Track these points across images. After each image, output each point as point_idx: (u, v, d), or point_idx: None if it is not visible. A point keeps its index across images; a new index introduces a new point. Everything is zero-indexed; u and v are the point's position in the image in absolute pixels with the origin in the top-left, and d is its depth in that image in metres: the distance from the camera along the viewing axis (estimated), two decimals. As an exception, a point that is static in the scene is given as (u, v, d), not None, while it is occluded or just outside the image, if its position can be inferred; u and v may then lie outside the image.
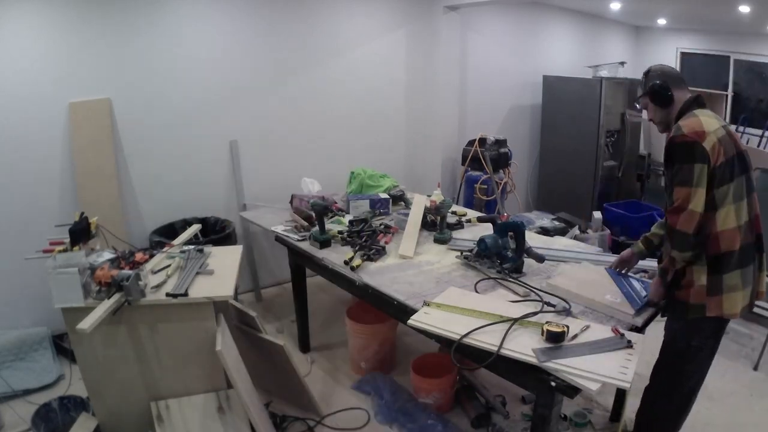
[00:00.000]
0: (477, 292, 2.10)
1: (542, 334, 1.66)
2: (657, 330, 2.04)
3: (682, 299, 1.82)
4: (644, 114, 5.42)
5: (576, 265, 2.33)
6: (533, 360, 1.57)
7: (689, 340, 1.86)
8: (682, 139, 1.71)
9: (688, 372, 1.94)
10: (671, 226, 1.75)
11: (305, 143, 3.95)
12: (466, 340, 1.70)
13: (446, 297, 2.00)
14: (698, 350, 1.88)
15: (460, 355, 1.72)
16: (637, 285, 2.06)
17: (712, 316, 1.78)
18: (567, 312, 1.87)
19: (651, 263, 2.53)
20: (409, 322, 1.86)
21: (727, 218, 1.72)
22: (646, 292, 1.98)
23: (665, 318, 1.97)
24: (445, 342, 1.80)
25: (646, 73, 1.94)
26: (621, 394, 2.39)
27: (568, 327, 1.67)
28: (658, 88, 1.86)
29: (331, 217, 3.06)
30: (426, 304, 1.95)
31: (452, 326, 1.77)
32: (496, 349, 1.63)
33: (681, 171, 1.71)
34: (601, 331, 1.73)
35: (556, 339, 1.63)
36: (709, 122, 1.74)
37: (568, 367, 1.53)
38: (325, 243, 2.63)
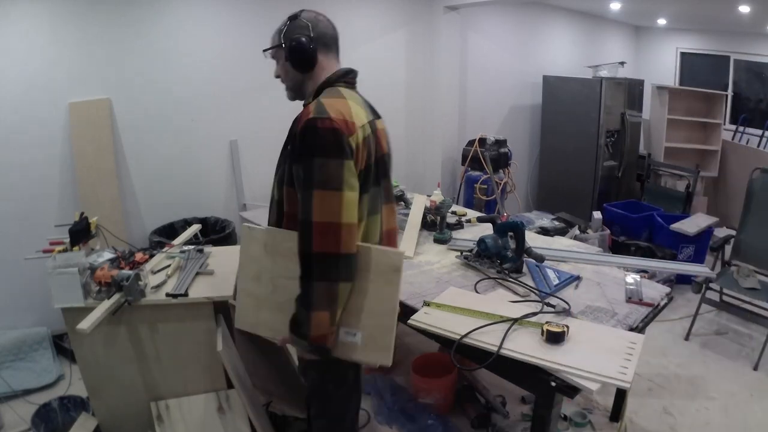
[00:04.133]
0: (477, 292, 2.10)
1: (542, 334, 1.66)
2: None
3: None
4: (644, 114, 5.47)
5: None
6: (533, 360, 1.57)
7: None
8: (329, 124, 1.28)
9: None
10: (315, 251, 1.25)
11: (305, 143, 3.94)
12: (466, 340, 1.70)
13: (446, 297, 2.00)
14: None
15: (460, 355, 1.72)
16: (551, 274, 2.19)
17: None
18: (567, 312, 1.87)
19: (651, 263, 2.54)
20: (409, 322, 1.86)
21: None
22: (560, 281, 2.11)
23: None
24: (445, 342, 1.80)
25: (292, 18, 1.46)
26: (621, 394, 2.39)
27: (568, 327, 1.67)
28: (297, 47, 1.42)
29: (331, 217, 3.05)
30: (426, 304, 1.95)
31: (452, 326, 1.77)
32: (496, 349, 1.63)
33: (326, 168, 1.27)
34: (601, 331, 1.73)
35: (556, 339, 1.63)
36: (360, 112, 1.40)
37: (568, 367, 1.53)
38: (325, 243, 2.62)
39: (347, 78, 1.50)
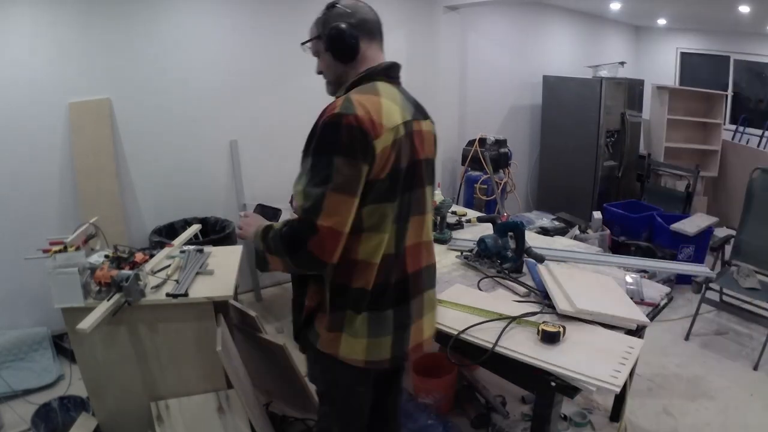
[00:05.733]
0: (480, 290, 2.10)
1: (538, 334, 1.66)
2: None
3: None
4: (644, 114, 5.47)
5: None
6: (526, 359, 1.57)
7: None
8: (349, 121, 1.21)
9: None
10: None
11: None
12: (463, 336, 1.70)
13: (451, 294, 2.01)
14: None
15: (460, 354, 1.72)
16: None
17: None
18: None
19: (651, 263, 2.54)
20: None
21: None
22: None
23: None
24: (444, 340, 1.80)
25: (331, 5, 1.37)
26: (621, 395, 2.39)
27: (564, 327, 1.67)
28: (337, 35, 1.32)
29: (331, 217, 3.05)
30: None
31: (451, 322, 1.77)
32: (491, 346, 1.63)
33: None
34: (599, 333, 1.73)
35: (551, 339, 1.63)
36: (394, 111, 1.29)
37: (559, 367, 1.53)
38: (324, 243, 2.62)
39: (389, 72, 1.39)
